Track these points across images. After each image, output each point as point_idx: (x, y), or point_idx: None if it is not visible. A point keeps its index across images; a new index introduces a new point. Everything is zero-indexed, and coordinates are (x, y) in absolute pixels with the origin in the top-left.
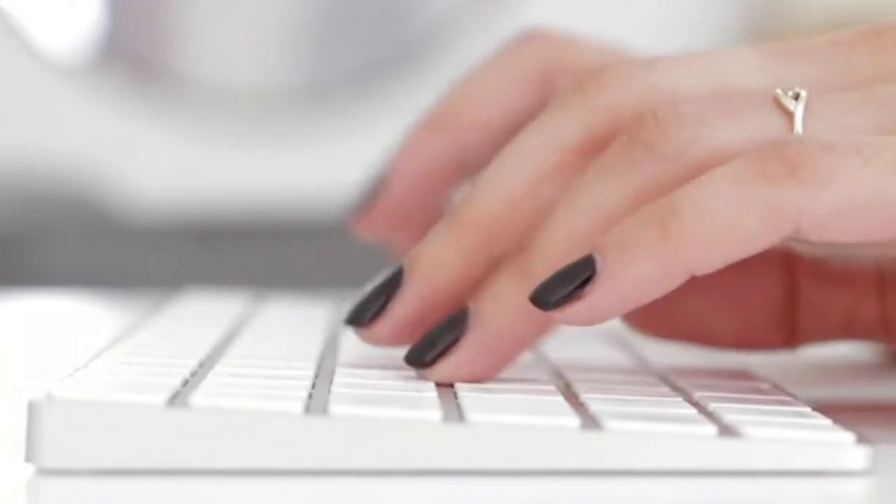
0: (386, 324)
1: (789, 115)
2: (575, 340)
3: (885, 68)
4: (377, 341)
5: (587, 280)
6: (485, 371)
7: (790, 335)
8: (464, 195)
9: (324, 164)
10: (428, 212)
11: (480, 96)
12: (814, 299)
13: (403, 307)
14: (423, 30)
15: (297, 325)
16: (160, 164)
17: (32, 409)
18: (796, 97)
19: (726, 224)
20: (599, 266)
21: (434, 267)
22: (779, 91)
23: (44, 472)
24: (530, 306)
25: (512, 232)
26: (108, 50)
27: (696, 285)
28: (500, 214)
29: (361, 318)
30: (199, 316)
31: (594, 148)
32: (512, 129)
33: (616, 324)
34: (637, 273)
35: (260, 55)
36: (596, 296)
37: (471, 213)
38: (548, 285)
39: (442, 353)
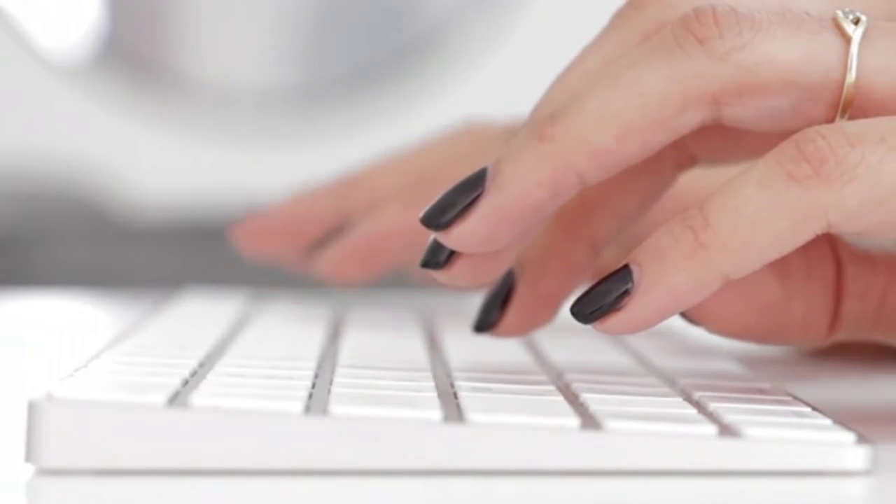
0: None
1: (846, 39)
2: (575, 340)
3: None
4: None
5: (625, 292)
6: (495, 238)
7: (833, 323)
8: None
9: (323, 165)
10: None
11: (376, 178)
12: (857, 280)
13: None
14: (423, 30)
15: (297, 325)
16: (160, 164)
17: (32, 409)
18: (856, 22)
19: (757, 229)
20: (636, 278)
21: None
22: (839, 13)
23: (44, 472)
24: (548, 170)
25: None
26: (108, 50)
27: (765, 275)
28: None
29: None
30: (199, 316)
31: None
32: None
33: None
34: (673, 284)
35: (259, 55)
36: (634, 307)
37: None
38: (586, 298)
39: (459, 216)
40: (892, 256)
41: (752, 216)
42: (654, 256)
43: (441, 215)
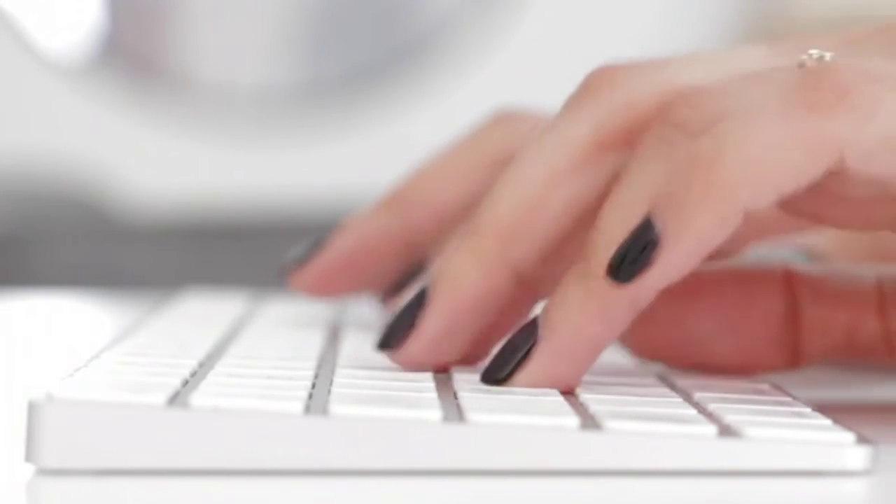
0: (416, 344)
1: None
2: None
3: None
4: (410, 363)
5: (651, 245)
6: (563, 378)
7: (793, 355)
8: (480, 205)
9: (323, 164)
10: (374, 279)
11: (439, 179)
12: (816, 317)
13: (431, 325)
14: (422, 30)
15: (297, 325)
16: (160, 164)
17: (32, 409)
18: (820, 59)
19: (771, 161)
20: (660, 229)
21: (456, 281)
22: (804, 56)
23: (44, 472)
24: (598, 305)
25: (530, 238)
26: (108, 50)
27: (697, 307)
28: (516, 221)
29: (391, 341)
30: (199, 316)
31: (606, 148)
32: (467, 213)
33: None
34: (698, 227)
35: (259, 55)
36: (664, 260)
37: (487, 222)
38: (615, 262)
39: (517, 367)
40: (861, 290)
41: (768, 148)
42: (672, 204)
43: (499, 369)
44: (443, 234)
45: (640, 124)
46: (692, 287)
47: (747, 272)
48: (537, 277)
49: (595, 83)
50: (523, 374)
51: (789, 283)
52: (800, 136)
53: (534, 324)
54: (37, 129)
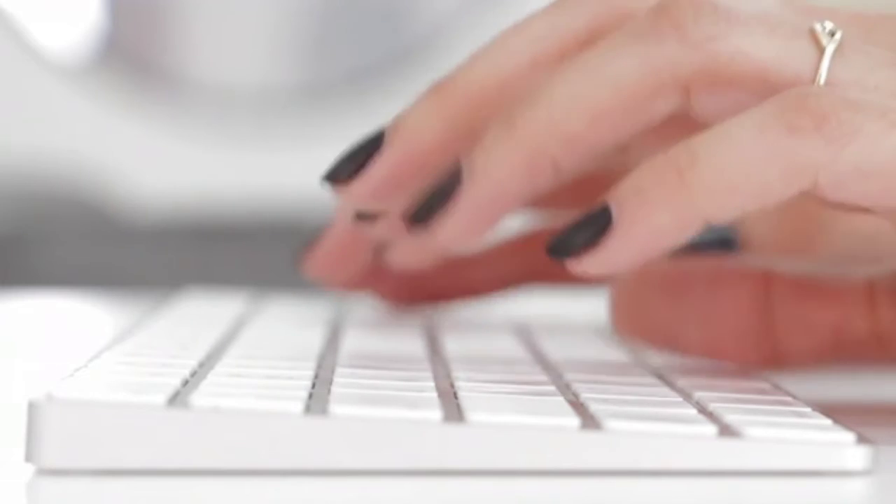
0: (363, 183)
1: (820, 50)
2: (575, 340)
3: None
4: (352, 199)
5: (603, 229)
6: (482, 227)
7: (771, 352)
8: (457, 65)
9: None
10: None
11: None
12: (798, 315)
13: (381, 168)
14: (422, 31)
15: (297, 325)
16: (160, 164)
17: (32, 409)
18: (832, 35)
19: (745, 173)
20: (615, 214)
21: (415, 131)
22: (817, 25)
23: (44, 472)
24: (521, 157)
25: (497, 109)
26: (108, 50)
27: (667, 292)
28: (488, 89)
29: (339, 174)
30: (199, 316)
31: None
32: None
33: None
34: (653, 222)
35: (259, 55)
36: (612, 245)
37: (459, 83)
38: (564, 235)
39: (439, 211)
40: (850, 288)
41: (743, 162)
42: (634, 194)
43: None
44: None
45: None
46: (668, 276)
47: (724, 269)
48: None
49: None
50: (447, 221)
51: (765, 281)
52: (775, 155)
53: (458, 168)
54: (37, 129)
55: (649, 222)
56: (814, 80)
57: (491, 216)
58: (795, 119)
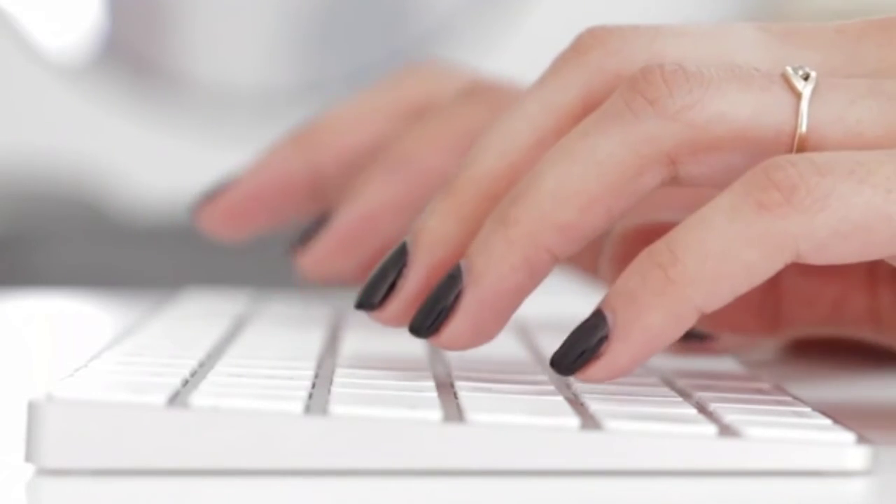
0: (397, 303)
1: (797, 95)
2: None
3: (891, 63)
4: (391, 322)
5: (602, 339)
6: (489, 326)
7: (772, 322)
8: (461, 162)
9: None
10: (282, 218)
11: (346, 122)
12: (801, 288)
13: (412, 284)
14: (422, 31)
15: (297, 325)
16: (160, 164)
17: (32, 409)
18: (805, 77)
19: (727, 260)
20: (611, 322)
21: (436, 239)
22: (789, 69)
23: (44, 472)
24: (519, 253)
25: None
26: (108, 50)
27: None
28: (497, 180)
29: (372, 300)
30: (199, 316)
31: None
32: (373, 157)
33: None
34: (649, 323)
35: (259, 55)
36: (613, 353)
37: (468, 180)
38: (564, 350)
39: (444, 317)
40: (851, 268)
41: (722, 248)
42: (625, 299)
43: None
44: (348, 178)
45: None
46: None
47: None
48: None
49: (586, 45)
50: (452, 324)
51: None
52: (751, 236)
53: (458, 271)
54: (37, 129)
55: (645, 324)
56: (795, 128)
57: (497, 314)
58: (764, 196)
